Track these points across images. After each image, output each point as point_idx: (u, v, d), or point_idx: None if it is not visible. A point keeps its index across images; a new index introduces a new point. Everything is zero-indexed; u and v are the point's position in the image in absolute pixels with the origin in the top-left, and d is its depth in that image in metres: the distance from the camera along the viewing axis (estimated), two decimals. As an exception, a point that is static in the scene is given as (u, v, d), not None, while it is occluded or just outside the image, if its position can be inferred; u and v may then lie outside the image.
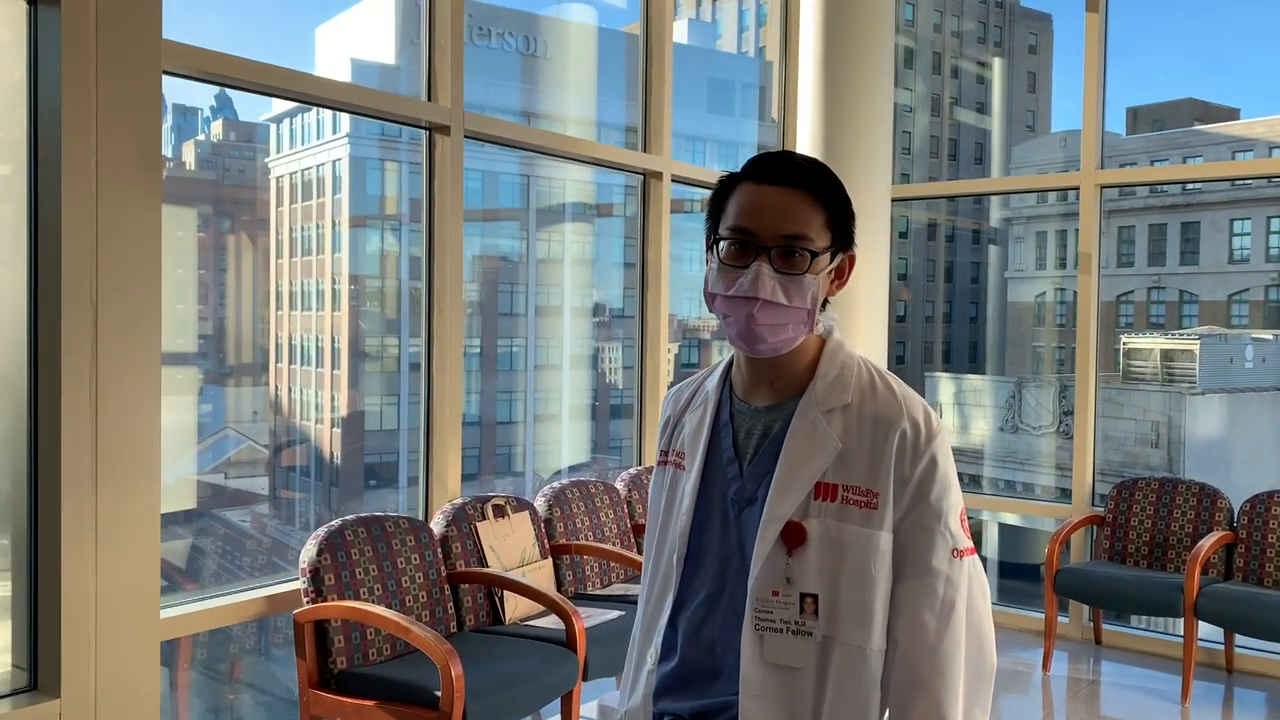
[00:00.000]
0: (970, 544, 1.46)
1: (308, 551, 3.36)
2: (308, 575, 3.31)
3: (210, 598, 3.29)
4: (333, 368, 11.97)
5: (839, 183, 1.47)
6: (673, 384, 1.69)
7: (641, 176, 5.03)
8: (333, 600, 3.30)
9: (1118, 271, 26.49)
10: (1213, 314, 25.62)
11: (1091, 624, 5.15)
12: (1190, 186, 25.39)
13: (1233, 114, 29.66)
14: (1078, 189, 5.20)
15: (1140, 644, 5.07)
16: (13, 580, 2.61)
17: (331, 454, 11.77)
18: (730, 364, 1.57)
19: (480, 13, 12.44)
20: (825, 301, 1.49)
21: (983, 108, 34.93)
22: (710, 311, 1.47)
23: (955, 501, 1.44)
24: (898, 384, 1.49)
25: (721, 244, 1.44)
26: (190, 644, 3.95)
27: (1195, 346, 19.50)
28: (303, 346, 12.11)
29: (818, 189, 1.43)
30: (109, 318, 2.58)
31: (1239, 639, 4.71)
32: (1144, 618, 5.50)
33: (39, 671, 2.58)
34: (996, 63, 34.90)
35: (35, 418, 2.57)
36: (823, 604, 1.40)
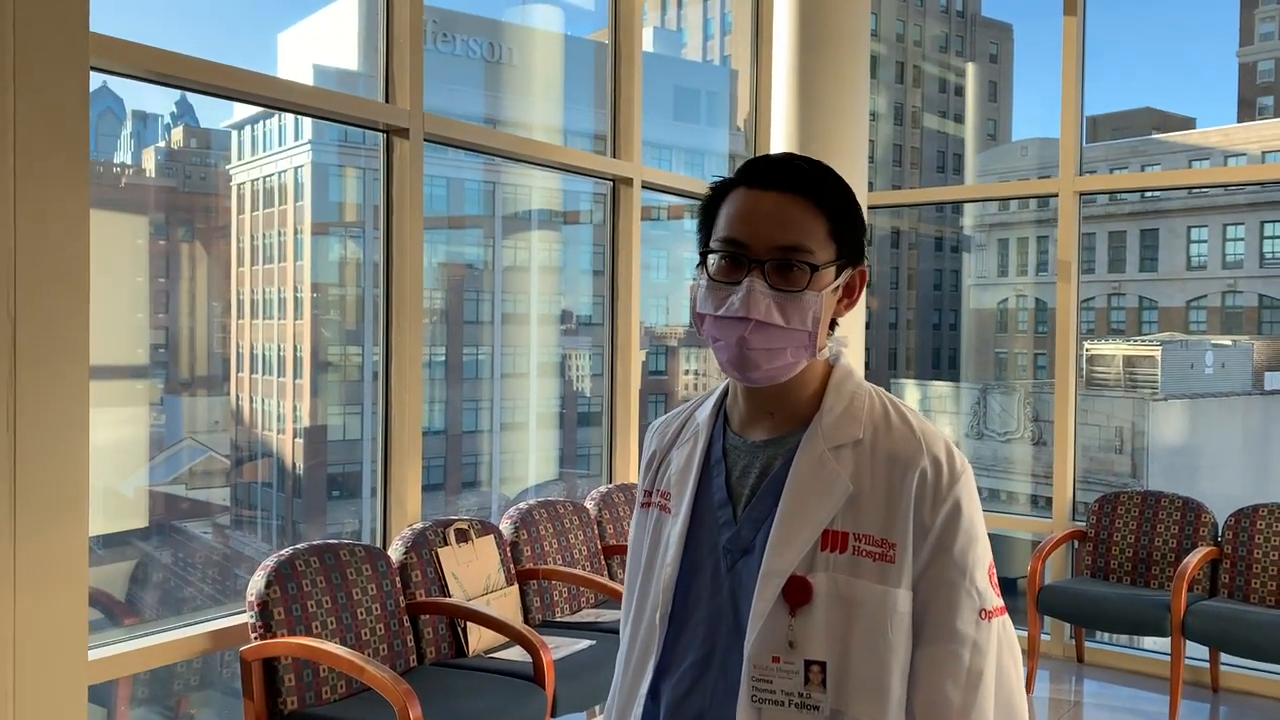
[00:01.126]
0: (1000, 602, 1.26)
1: (255, 583, 3.14)
2: (255, 609, 3.09)
3: (149, 634, 3.05)
4: (295, 377, 11.70)
5: (846, 188, 1.28)
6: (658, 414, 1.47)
7: (611, 182, 4.85)
8: (282, 636, 3.08)
9: (1080, 278, 26.68)
10: (1172, 320, 25.90)
11: (1073, 641, 5.02)
12: (1149, 194, 25.64)
13: (1189, 123, 30.05)
14: (1055, 196, 5.08)
15: (1124, 662, 4.94)
16: (-76, 623, 2.37)
17: (294, 464, 11.50)
18: (725, 393, 1.38)
19: (442, 18, 12.22)
20: (834, 323, 1.30)
21: (945, 115, 35.10)
22: (699, 335, 1.27)
23: (983, 554, 1.25)
24: (915, 417, 1.30)
25: (711, 258, 1.25)
26: (130, 681, 3.69)
27: (1157, 352, 19.64)
28: (264, 355, 11.84)
29: (819, 195, 1.24)
30: (29, 333, 2.35)
31: (1224, 656, 4.59)
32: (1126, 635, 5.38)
33: (-48, 725, 2.34)
34: (970, 69, 35.11)
35: (-52, 445, 2.34)
36: (831, 673, 1.20)
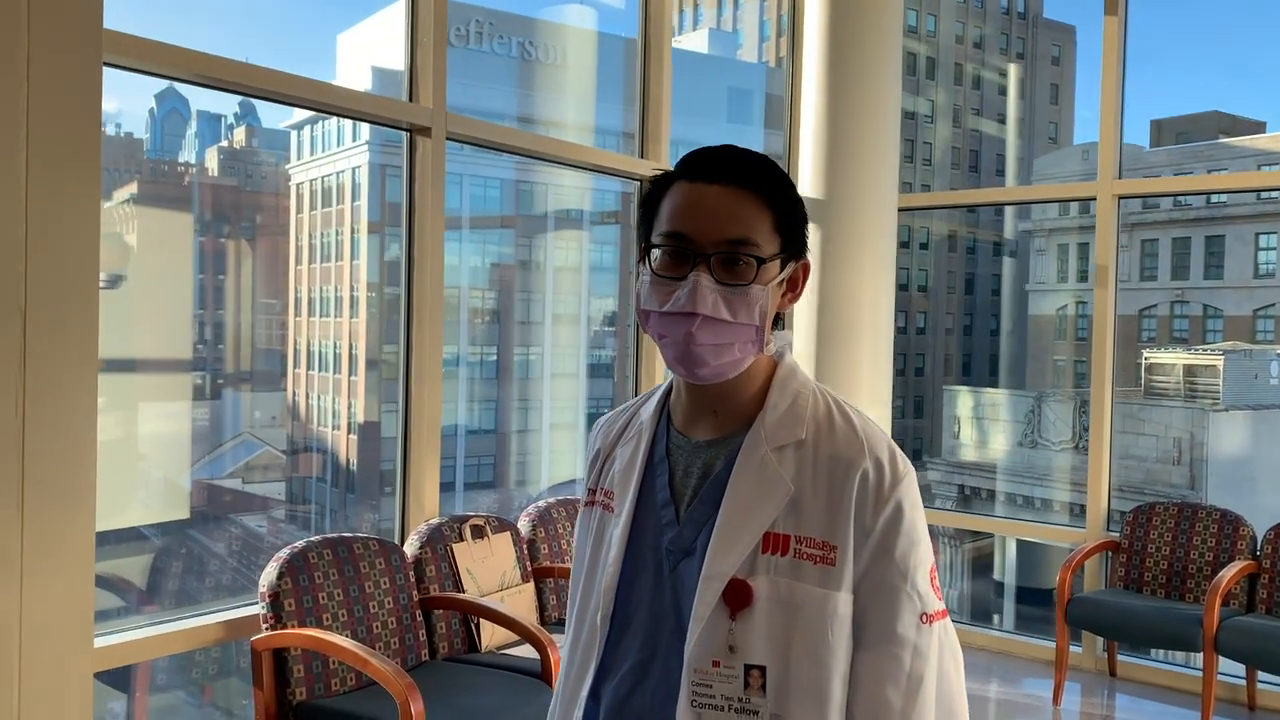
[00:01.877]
0: (941, 605, 1.24)
1: (267, 575, 3.18)
2: (267, 600, 3.13)
3: (159, 623, 3.11)
4: (350, 374, 11.86)
5: (789, 181, 1.26)
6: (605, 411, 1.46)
7: (639, 183, 4.84)
8: (293, 627, 3.12)
9: (1141, 285, 26.15)
10: (1237, 329, 25.23)
11: (1106, 654, 4.90)
12: (1215, 199, 25.02)
13: (1259, 127, 29.27)
14: (1094, 199, 4.98)
15: (1157, 677, 4.82)
16: (-65, 606, 2.43)
17: (348, 459, 11.66)
18: (669, 390, 1.36)
19: (475, 16, 12.31)
20: (779, 318, 1.28)
21: (1005, 119, 34.62)
22: (645, 331, 1.26)
23: (925, 556, 1.23)
24: (859, 417, 1.27)
25: (654, 253, 1.23)
26: (149, 668, 3.77)
27: (1219, 362, 19.16)
28: (320, 352, 12.02)
29: (763, 187, 1.21)
30: (39, 326, 2.41)
31: (1261, 674, 4.46)
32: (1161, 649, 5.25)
33: (-41, 705, 2.40)
34: (1012, 70, 34.59)
35: (-41, 433, 2.40)
36: (771, 678, 1.18)
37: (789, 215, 1.24)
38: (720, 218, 1.19)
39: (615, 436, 1.39)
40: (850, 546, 1.20)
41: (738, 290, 1.19)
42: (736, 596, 1.19)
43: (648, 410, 1.36)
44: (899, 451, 1.25)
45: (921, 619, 1.20)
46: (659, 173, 1.27)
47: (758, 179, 1.22)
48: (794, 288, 1.28)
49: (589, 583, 1.34)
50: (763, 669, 1.18)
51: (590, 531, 1.36)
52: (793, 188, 1.25)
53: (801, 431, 1.24)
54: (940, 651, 1.22)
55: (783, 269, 1.25)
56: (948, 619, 1.25)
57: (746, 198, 1.20)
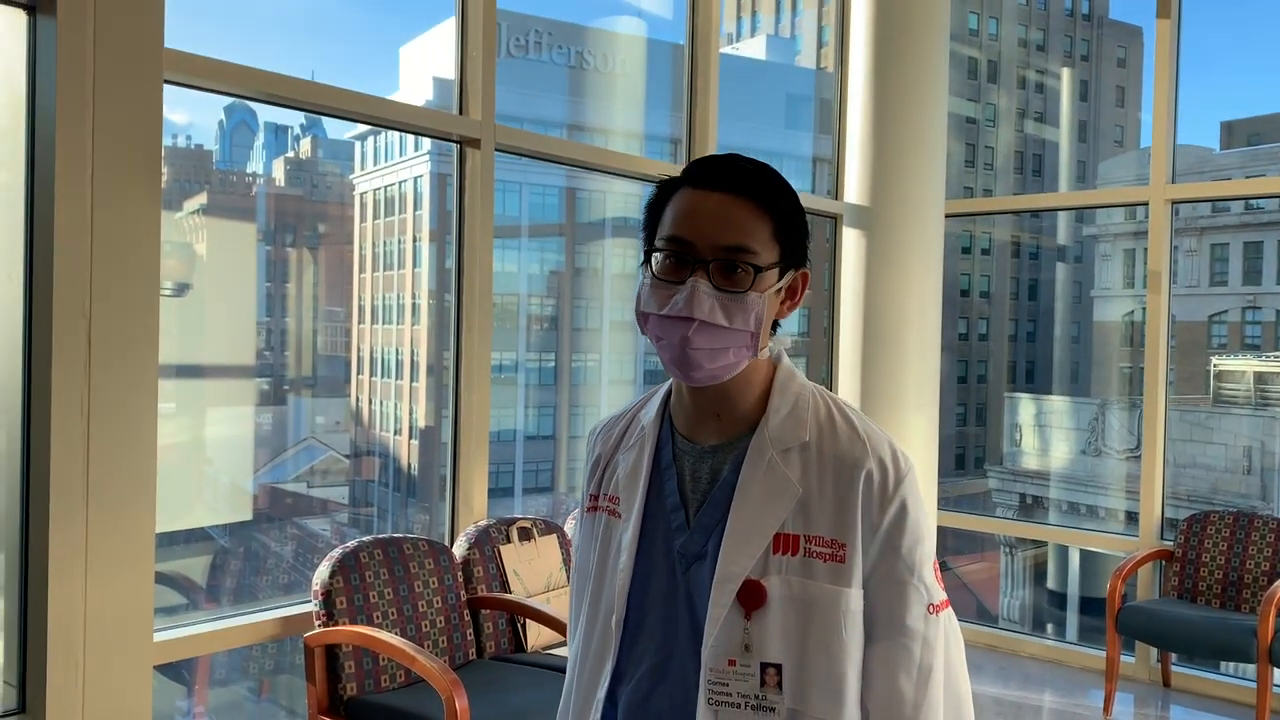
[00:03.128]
0: (944, 596, 1.29)
1: (320, 573, 3.28)
2: (320, 598, 3.23)
3: (219, 619, 3.22)
4: (411, 380, 12.04)
5: (790, 190, 1.29)
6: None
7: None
8: (344, 624, 3.22)
9: (1211, 290, 25.51)
10: (1312, 336, 24.51)
11: (1159, 665, 4.84)
12: (1289, 202, 24.36)
13: (1336, 127, 28.42)
14: (1145, 204, 4.93)
15: (1212, 688, 4.74)
16: (5, 597, 2.56)
17: (409, 464, 11.83)
18: (668, 395, 1.39)
19: (535, 26, 12.45)
20: (775, 324, 1.33)
21: (1068, 122, 34.04)
22: (643, 334, 1.30)
23: (929, 550, 1.28)
24: (859, 418, 1.31)
25: (655, 257, 1.27)
26: (208, 663, 3.90)
27: (1291, 369, 18.66)
28: (383, 359, 12.22)
29: (763, 196, 1.25)
30: (103, 332, 2.53)
31: (1321, 687, 4.37)
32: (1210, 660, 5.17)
33: (27, 692, 2.52)
34: (1065, 73, 33.99)
35: (28, 434, 2.52)
36: (787, 674, 1.23)
37: (789, 224, 1.27)
38: (720, 225, 1.23)
39: (615, 442, 1.42)
40: (859, 543, 1.24)
41: (734, 297, 1.23)
42: (750, 597, 1.24)
43: (648, 416, 1.39)
44: (900, 450, 1.29)
45: (929, 610, 1.25)
46: (665, 178, 1.32)
47: (759, 188, 1.25)
48: (793, 295, 1.32)
49: (598, 587, 1.37)
50: (778, 666, 1.23)
51: (595, 537, 1.39)
52: (795, 197, 1.29)
53: (805, 433, 1.28)
54: (946, 640, 1.27)
55: (781, 277, 1.28)
56: (950, 608, 1.30)
57: (747, 206, 1.24)
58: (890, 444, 1.29)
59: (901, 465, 1.27)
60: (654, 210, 1.31)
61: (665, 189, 1.30)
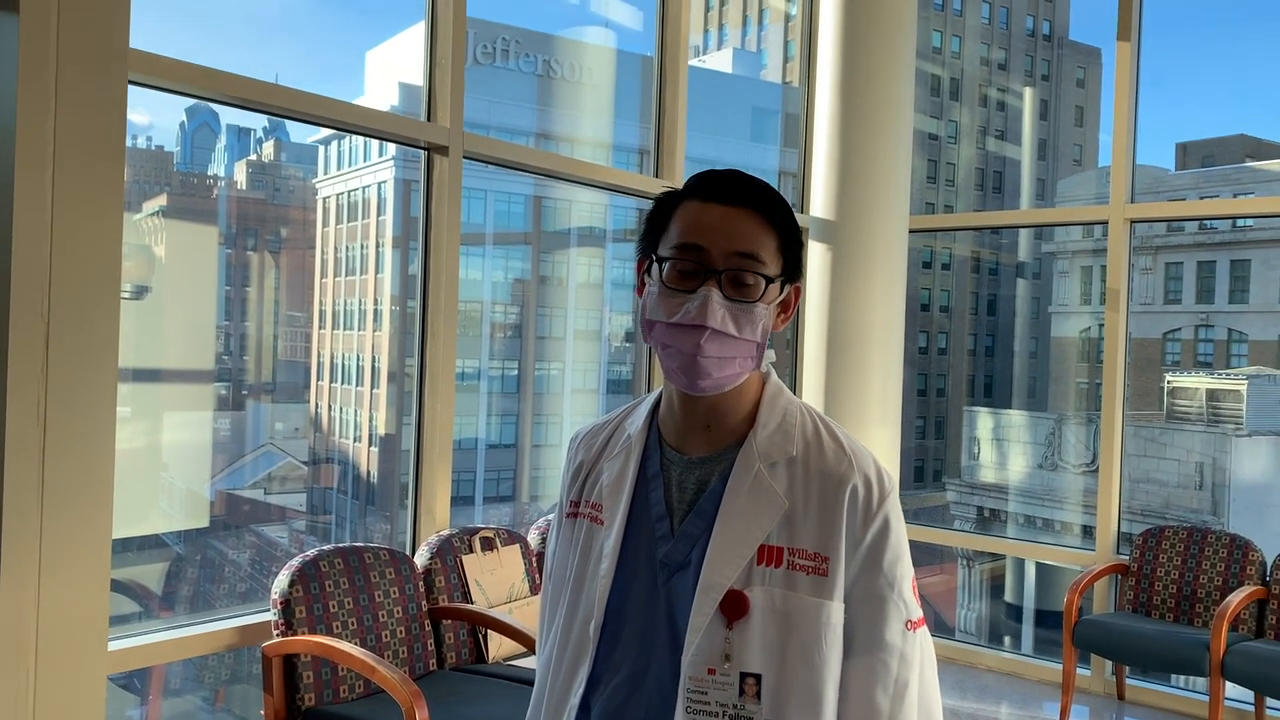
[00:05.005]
0: (921, 613, 1.31)
1: (280, 582, 3.24)
2: (278, 607, 3.19)
3: (175, 627, 3.17)
4: (372, 387, 11.94)
5: (789, 207, 1.32)
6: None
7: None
8: (303, 634, 3.18)
9: (1165, 308, 25.94)
10: (1262, 354, 24.99)
11: (1114, 678, 4.90)
12: (1241, 223, 24.84)
13: (1287, 150, 29.04)
14: (1105, 223, 5.01)
15: (1166, 701, 4.81)
16: (-44, 605, 2.50)
17: (368, 472, 11.73)
18: (656, 405, 1.40)
19: (502, 34, 12.44)
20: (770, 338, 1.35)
21: (1026, 140, 34.53)
22: (646, 341, 1.31)
23: (908, 567, 1.30)
24: (844, 435, 1.34)
25: (664, 265, 1.28)
26: (162, 672, 3.84)
27: (1243, 387, 19.01)
28: (344, 365, 12.11)
29: (769, 210, 1.28)
30: (61, 335, 2.48)
31: (1270, 700, 4.44)
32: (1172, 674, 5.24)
33: (-23, 702, 2.47)
34: (1027, 93, 34.53)
35: (-17, 438, 2.47)
36: (766, 685, 1.23)
37: (791, 239, 1.30)
38: (732, 235, 1.26)
39: (599, 450, 1.42)
40: (842, 557, 1.26)
41: (744, 307, 1.25)
42: (733, 607, 1.24)
43: (635, 425, 1.40)
44: (884, 468, 1.32)
45: (907, 626, 1.27)
46: (667, 190, 1.33)
47: (765, 202, 1.28)
48: (786, 309, 1.34)
49: (576, 592, 1.36)
50: (758, 676, 1.23)
51: (575, 543, 1.39)
52: (793, 215, 1.32)
53: (793, 448, 1.30)
54: (921, 657, 1.28)
55: (781, 290, 1.31)
56: (925, 626, 1.31)
57: (755, 219, 1.27)
58: (875, 462, 1.31)
59: (885, 483, 1.30)
60: (655, 222, 1.32)
61: (667, 202, 1.32)
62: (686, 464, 1.33)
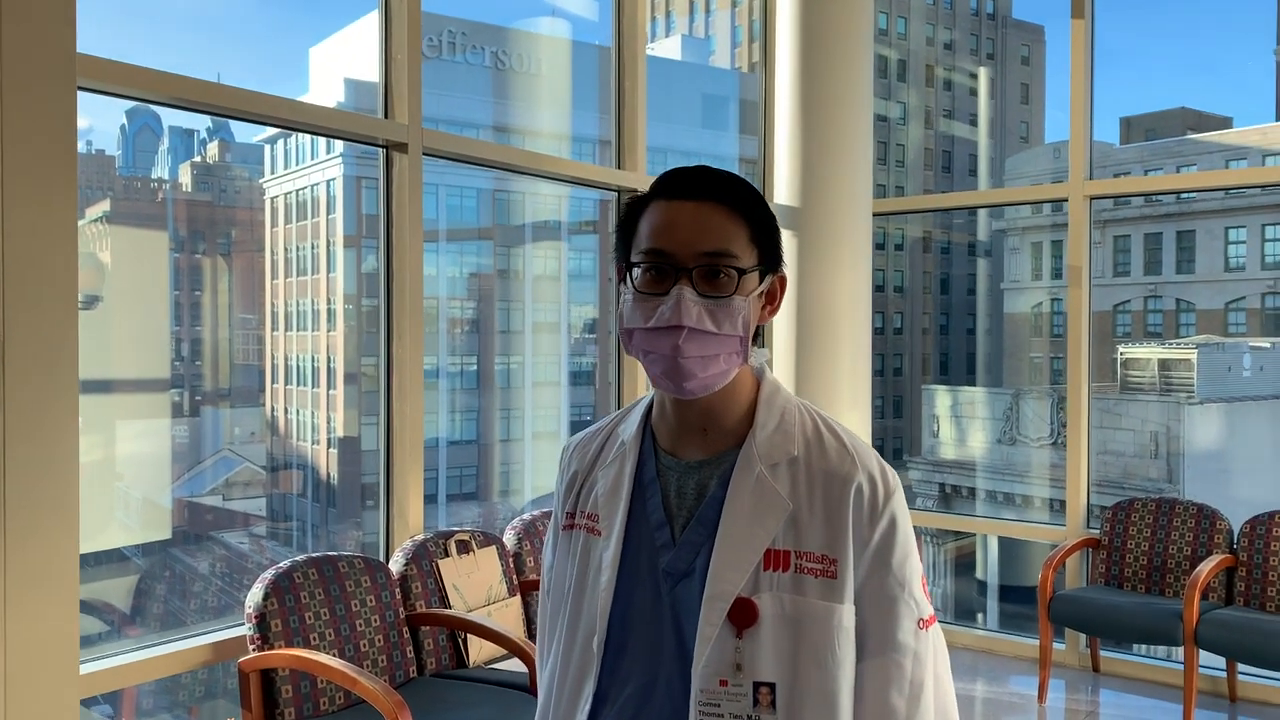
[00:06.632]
0: (932, 610, 1.28)
1: (254, 595, 3.17)
2: (253, 621, 3.12)
3: (146, 646, 3.09)
4: (328, 388, 11.79)
5: (761, 196, 1.28)
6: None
7: (616, 193, 4.86)
8: (280, 648, 3.11)
9: (1114, 281, 26.36)
10: (1210, 323, 25.48)
11: (1089, 650, 4.95)
12: (1185, 195, 25.26)
13: (1225, 123, 29.59)
14: (1065, 200, 5.03)
15: (1140, 671, 4.87)
16: (-83, 636, 2.41)
17: (328, 474, 11.58)
18: (649, 410, 1.35)
19: (449, 26, 12.31)
20: (758, 331, 1.30)
21: (975, 120, 34.85)
22: (628, 352, 1.27)
23: (917, 564, 1.27)
24: (846, 434, 1.30)
25: (635, 271, 1.24)
26: (134, 691, 3.74)
27: (1193, 355, 19.35)
28: (299, 367, 11.94)
29: (736, 202, 1.24)
30: (18, 346, 2.40)
31: (1242, 666, 4.51)
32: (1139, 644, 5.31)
33: (-56, 735, 2.38)
34: (982, 72, 34.87)
35: (-61, 461, 2.38)
36: (781, 693, 1.19)
37: (764, 228, 1.26)
38: (698, 232, 1.21)
39: (593, 459, 1.38)
40: (850, 559, 1.22)
41: (720, 302, 1.21)
42: (742, 615, 1.20)
43: (628, 431, 1.35)
44: (887, 465, 1.28)
45: (919, 624, 1.24)
46: (634, 196, 1.29)
47: (732, 194, 1.24)
48: (772, 300, 1.30)
49: (577, 607, 1.32)
50: (772, 685, 1.19)
51: (573, 556, 1.34)
52: (765, 203, 1.28)
53: (794, 448, 1.26)
54: (934, 655, 1.26)
55: (761, 281, 1.26)
56: (937, 623, 1.28)
57: (722, 212, 1.22)
58: (877, 459, 1.28)
59: (890, 481, 1.26)
60: (625, 228, 1.28)
61: (635, 206, 1.28)
62: (684, 469, 1.29)
